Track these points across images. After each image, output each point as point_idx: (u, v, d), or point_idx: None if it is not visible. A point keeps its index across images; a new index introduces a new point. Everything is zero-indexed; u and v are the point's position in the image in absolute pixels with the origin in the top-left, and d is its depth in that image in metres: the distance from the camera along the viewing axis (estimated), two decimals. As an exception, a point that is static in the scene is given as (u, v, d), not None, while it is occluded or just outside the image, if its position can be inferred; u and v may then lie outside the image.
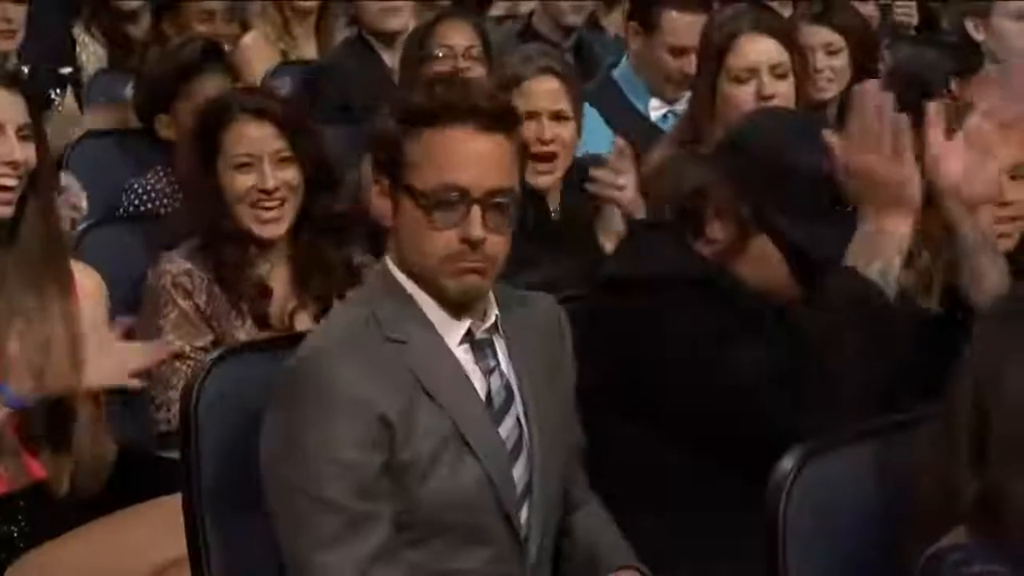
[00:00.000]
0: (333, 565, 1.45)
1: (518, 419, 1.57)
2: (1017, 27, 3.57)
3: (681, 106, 3.03)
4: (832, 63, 3.08)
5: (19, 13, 3.28)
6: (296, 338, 1.88)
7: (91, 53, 3.87)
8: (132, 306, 2.28)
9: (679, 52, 3.04)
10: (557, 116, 2.52)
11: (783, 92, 2.54)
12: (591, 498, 1.73)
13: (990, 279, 1.77)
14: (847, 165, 1.67)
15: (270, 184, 2.19)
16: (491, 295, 1.58)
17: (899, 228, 1.67)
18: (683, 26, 3.03)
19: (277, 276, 2.27)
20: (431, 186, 1.48)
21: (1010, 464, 1.19)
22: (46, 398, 1.89)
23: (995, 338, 1.26)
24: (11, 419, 1.89)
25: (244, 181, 2.20)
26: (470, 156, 1.49)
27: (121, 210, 2.84)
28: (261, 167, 2.20)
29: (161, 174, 2.84)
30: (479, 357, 1.56)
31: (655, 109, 3.18)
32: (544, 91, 2.53)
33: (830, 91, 3.06)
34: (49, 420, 1.94)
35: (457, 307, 1.54)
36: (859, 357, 1.64)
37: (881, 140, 1.63)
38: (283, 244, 2.26)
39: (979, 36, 3.52)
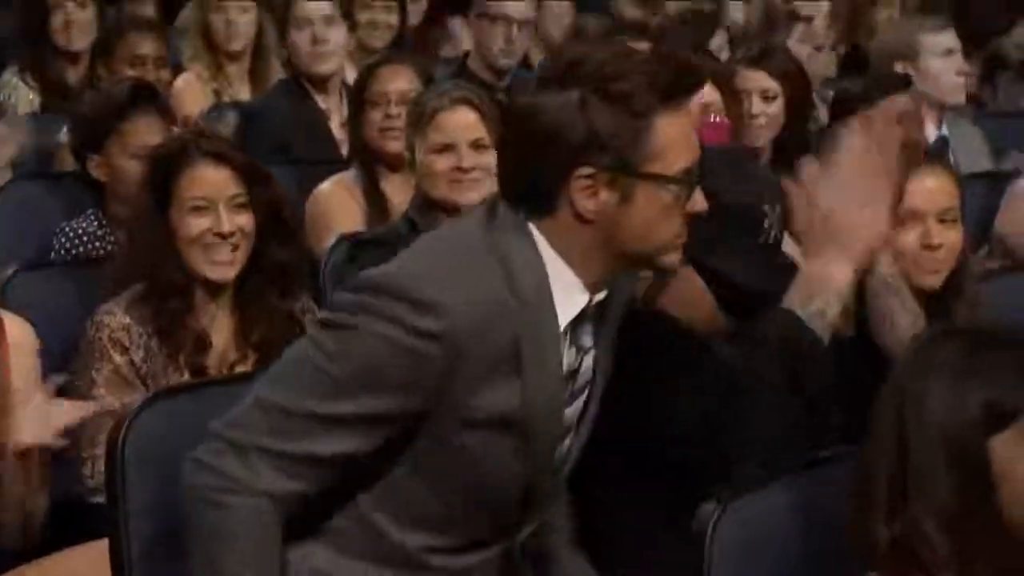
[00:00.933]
0: (260, 463, 1.41)
1: (586, 401, 1.55)
2: (946, 63, 3.66)
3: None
4: (767, 109, 3.11)
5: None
6: (227, 380, 1.89)
7: (22, 97, 3.86)
8: (62, 353, 2.25)
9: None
10: (476, 145, 2.57)
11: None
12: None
13: (900, 321, 1.84)
14: (807, 205, 1.69)
15: (225, 228, 2.18)
16: None
17: (843, 273, 1.69)
18: None
19: (219, 326, 2.26)
20: (677, 170, 1.45)
21: (924, 498, 1.20)
22: None
23: (918, 364, 1.28)
24: None
25: (199, 224, 2.18)
26: (693, 136, 1.51)
27: (52, 254, 2.83)
28: (217, 211, 2.19)
29: (92, 217, 2.84)
30: (579, 334, 1.51)
31: None
32: (461, 122, 2.58)
33: (763, 137, 3.11)
34: None
35: (601, 281, 1.50)
36: (785, 395, 1.67)
37: (850, 185, 1.66)
38: (228, 293, 2.26)
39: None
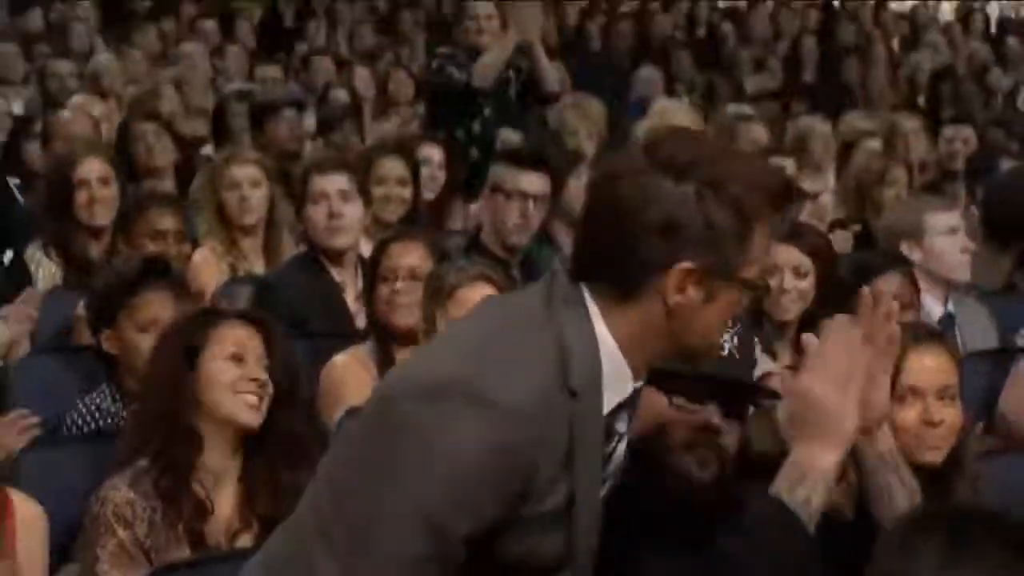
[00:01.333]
0: None
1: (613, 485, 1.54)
2: (950, 242, 3.68)
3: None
4: (799, 284, 3.11)
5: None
6: (227, 555, 1.86)
7: (45, 271, 3.94)
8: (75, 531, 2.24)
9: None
10: None
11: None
12: None
13: (897, 498, 1.83)
14: (797, 390, 1.71)
15: (259, 375, 2.25)
16: None
17: (829, 458, 1.68)
18: None
19: (224, 495, 2.26)
20: (755, 274, 1.48)
21: None
22: None
23: (902, 548, 1.27)
24: None
25: (233, 370, 2.24)
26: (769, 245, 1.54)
27: (64, 430, 2.82)
28: (248, 361, 2.26)
29: (106, 392, 2.84)
30: (616, 419, 1.49)
31: None
32: (479, 298, 2.61)
33: (793, 311, 3.11)
34: None
35: (645, 367, 1.49)
36: None
37: (840, 374, 1.66)
38: (238, 459, 2.27)
39: (914, 256, 3.58)
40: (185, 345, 2.30)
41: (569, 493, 1.41)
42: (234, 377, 2.24)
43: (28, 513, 2.08)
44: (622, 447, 1.52)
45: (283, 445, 2.28)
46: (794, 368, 2.32)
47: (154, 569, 1.94)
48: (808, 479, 1.67)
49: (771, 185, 1.46)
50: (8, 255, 3.99)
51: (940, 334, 2.51)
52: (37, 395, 2.95)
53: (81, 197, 3.93)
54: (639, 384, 1.49)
